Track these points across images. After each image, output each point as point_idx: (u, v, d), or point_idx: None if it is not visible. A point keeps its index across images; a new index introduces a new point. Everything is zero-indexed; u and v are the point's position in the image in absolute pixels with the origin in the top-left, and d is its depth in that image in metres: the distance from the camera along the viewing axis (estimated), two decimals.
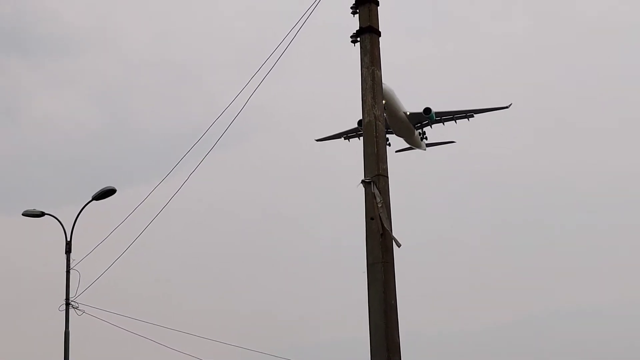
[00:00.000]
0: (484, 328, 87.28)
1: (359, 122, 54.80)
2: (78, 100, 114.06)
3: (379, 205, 13.91)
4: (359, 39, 14.92)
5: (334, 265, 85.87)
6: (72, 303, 30.82)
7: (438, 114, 58.62)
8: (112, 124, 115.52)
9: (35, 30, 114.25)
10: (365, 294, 13.90)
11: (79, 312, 30.87)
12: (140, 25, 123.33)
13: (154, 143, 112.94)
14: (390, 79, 46.76)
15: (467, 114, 59.65)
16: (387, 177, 14.34)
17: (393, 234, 13.90)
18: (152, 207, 26.99)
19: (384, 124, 14.79)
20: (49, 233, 35.95)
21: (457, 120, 59.76)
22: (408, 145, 61.57)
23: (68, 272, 31.22)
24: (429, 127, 59.83)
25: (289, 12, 16.85)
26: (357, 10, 15.04)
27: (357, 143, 59.56)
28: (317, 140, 63.63)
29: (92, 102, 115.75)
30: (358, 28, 14.95)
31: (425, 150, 63.16)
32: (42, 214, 32.37)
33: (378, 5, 15.13)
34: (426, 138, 61.20)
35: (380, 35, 14.99)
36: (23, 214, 32.52)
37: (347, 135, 61.21)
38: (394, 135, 58.09)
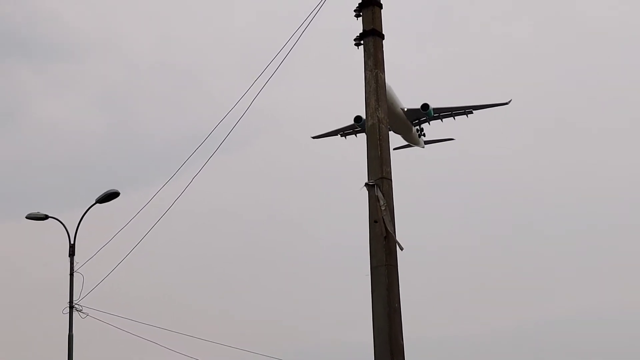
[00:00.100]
0: (488, 331, 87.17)
1: (355, 119, 54.85)
2: (82, 104, 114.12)
3: (383, 209, 13.91)
4: (362, 41, 14.95)
5: (336, 267, 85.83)
6: (76, 306, 30.85)
7: (436, 110, 57.20)
8: (116, 128, 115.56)
9: (38, 34, 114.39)
10: (369, 296, 13.90)
11: (83, 315, 30.93)
12: (144, 29, 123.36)
13: (158, 146, 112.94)
14: (393, 81, 46.72)
15: (466, 111, 58.36)
16: (391, 180, 14.33)
17: (396, 237, 13.90)
18: (156, 210, 27.04)
19: (387, 127, 14.79)
20: (52, 236, 35.98)
21: (455, 117, 58.48)
22: (406, 143, 60.62)
23: (72, 275, 31.26)
24: (427, 123, 58.72)
25: (293, 16, 16.86)
26: (361, 13, 15.07)
27: (355, 141, 59.26)
28: (314, 138, 62.85)
29: (96, 105, 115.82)
30: (361, 31, 14.98)
31: (423, 147, 61.94)
32: (45, 217, 32.43)
33: (381, 8, 15.14)
34: (424, 135, 59.86)
35: (383, 38, 15.00)
36: (27, 217, 32.59)
37: (344, 132, 60.31)
38: (392, 132, 57.10)
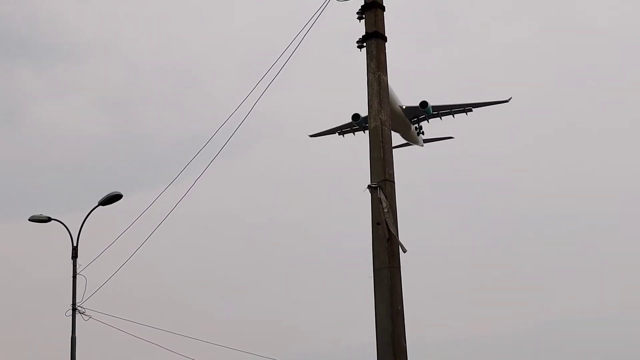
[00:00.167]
0: (488, 331, 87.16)
1: (353, 117, 54.61)
2: (82, 105, 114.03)
3: (385, 211, 13.93)
4: (365, 44, 14.98)
5: (337, 268, 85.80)
6: (79, 308, 30.86)
7: (435, 107, 56.23)
8: (118, 130, 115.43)
9: (38, 34, 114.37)
10: (369, 297, 13.94)
11: (86, 318, 30.92)
12: (144, 30, 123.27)
13: (160, 149, 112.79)
14: (393, 81, 46.61)
15: (466, 108, 57.49)
16: (394, 182, 14.36)
17: (399, 239, 13.92)
18: (158, 212, 27.07)
19: (390, 129, 14.81)
20: (55, 238, 36.03)
21: (455, 115, 57.49)
22: (404, 141, 60.04)
23: (74, 277, 31.28)
24: (426, 122, 57.88)
25: (295, 19, 16.89)
26: (364, 16, 15.10)
27: (355, 141, 58.89)
28: (311, 136, 62.38)
29: (96, 106, 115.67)
30: (364, 33, 15.01)
31: (422, 146, 61.06)
32: (48, 220, 32.44)
33: (384, 10, 15.16)
34: (423, 133, 58.90)
35: (386, 41, 15.03)
36: (29, 220, 32.60)
37: (342, 130, 59.79)
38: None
